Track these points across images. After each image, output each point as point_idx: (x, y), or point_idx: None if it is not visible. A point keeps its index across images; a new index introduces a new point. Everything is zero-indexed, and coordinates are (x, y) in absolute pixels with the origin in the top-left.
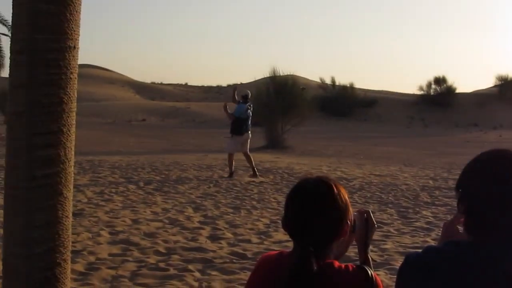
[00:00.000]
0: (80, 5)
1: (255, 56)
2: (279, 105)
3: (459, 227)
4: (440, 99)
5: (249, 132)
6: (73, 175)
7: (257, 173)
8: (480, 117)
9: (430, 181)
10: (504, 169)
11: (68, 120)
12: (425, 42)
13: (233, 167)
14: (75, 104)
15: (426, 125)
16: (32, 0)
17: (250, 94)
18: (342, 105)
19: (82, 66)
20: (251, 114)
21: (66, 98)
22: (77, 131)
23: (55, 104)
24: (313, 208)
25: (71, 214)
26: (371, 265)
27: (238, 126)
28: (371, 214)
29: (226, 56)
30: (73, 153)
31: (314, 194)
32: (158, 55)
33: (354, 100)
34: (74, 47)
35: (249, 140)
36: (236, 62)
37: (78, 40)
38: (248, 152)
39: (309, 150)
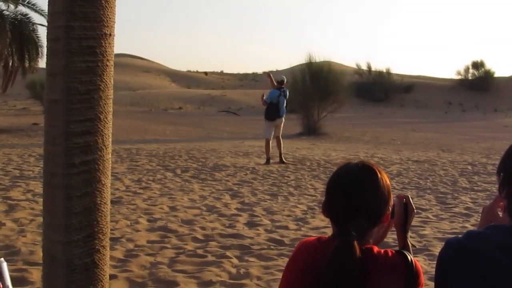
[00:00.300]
0: None
1: (290, 42)
2: (315, 91)
3: (499, 212)
4: (478, 84)
5: (282, 117)
6: (110, 162)
7: (284, 160)
8: None
9: (469, 167)
10: None
11: (105, 107)
12: (462, 26)
13: (269, 153)
14: (112, 91)
15: (464, 110)
16: None
17: (285, 80)
18: (379, 90)
19: (118, 55)
20: (284, 100)
21: (102, 85)
22: (114, 120)
23: (92, 91)
24: (357, 193)
25: (109, 201)
26: (411, 251)
27: (269, 111)
28: (410, 199)
29: (262, 43)
30: (110, 140)
31: (359, 179)
32: (194, 44)
33: (391, 86)
34: (110, 34)
35: (282, 125)
36: (271, 49)
37: (114, 27)
38: (280, 138)
39: (346, 136)
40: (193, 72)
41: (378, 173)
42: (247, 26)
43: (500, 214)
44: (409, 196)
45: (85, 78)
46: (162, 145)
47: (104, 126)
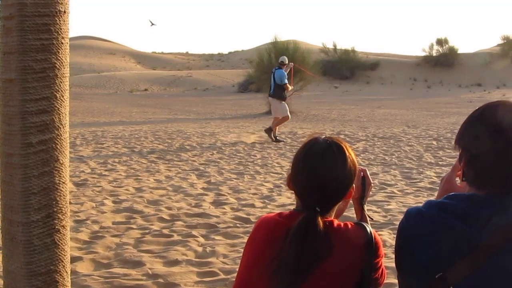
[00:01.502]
0: None
1: (256, 22)
2: None
3: (457, 181)
4: (442, 60)
5: (270, 97)
6: (68, 140)
7: (272, 137)
8: (483, 77)
9: (434, 142)
10: (500, 117)
11: (61, 86)
12: (427, 3)
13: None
14: (68, 69)
15: (429, 86)
16: None
17: (285, 61)
18: (345, 68)
19: (82, 37)
20: (272, 80)
21: (58, 64)
22: (79, 103)
23: (47, 69)
24: (324, 169)
25: (68, 180)
26: (368, 223)
27: None
28: (368, 173)
29: (227, 22)
30: (67, 118)
31: (327, 154)
32: (159, 25)
33: (356, 63)
34: (65, 12)
35: (275, 107)
36: (237, 29)
37: (68, 4)
38: (275, 119)
39: (312, 114)
40: (159, 53)
41: (346, 150)
42: (212, 6)
43: (458, 183)
44: (366, 169)
45: (40, 56)
46: (128, 127)
47: (61, 105)
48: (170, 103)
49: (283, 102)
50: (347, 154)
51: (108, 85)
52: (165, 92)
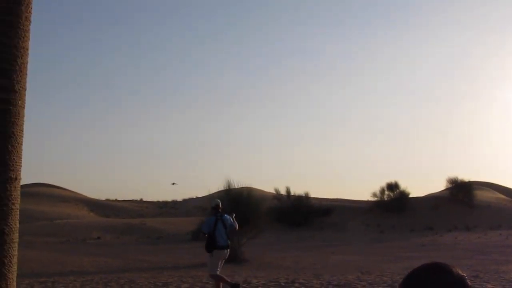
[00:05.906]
0: (22, 136)
1: (209, 169)
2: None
3: None
4: (394, 205)
5: (220, 249)
6: None
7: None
8: (435, 220)
9: None
10: (430, 281)
11: (10, 251)
12: (376, 150)
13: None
14: (17, 234)
15: (382, 231)
16: None
17: (219, 203)
18: (298, 215)
19: (35, 185)
20: (222, 227)
21: (7, 229)
22: (30, 252)
23: None
24: None
25: None
26: None
27: (206, 242)
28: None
29: (180, 170)
30: (15, 284)
31: None
32: (113, 172)
33: (310, 210)
34: (16, 178)
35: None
36: (190, 176)
37: (20, 171)
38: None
39: (266, 262)
40: (112, 200)
41: None
42: (165, 154)
43: None
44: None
45: None
46: (79, 277)
47: (9, 271)
48: (123, 252)
49: None
50: None
51: (60, 233)
52: (118, 241)
